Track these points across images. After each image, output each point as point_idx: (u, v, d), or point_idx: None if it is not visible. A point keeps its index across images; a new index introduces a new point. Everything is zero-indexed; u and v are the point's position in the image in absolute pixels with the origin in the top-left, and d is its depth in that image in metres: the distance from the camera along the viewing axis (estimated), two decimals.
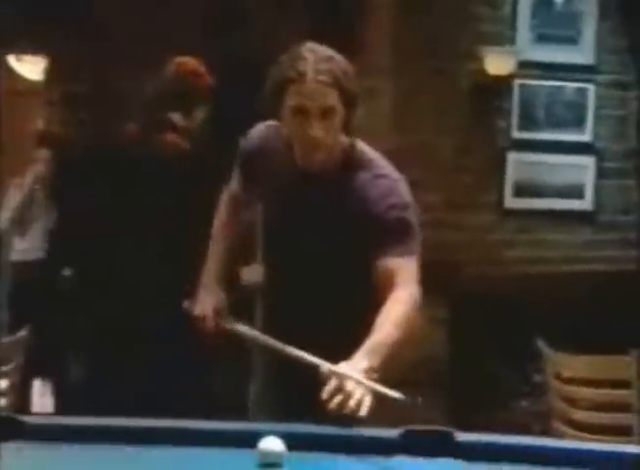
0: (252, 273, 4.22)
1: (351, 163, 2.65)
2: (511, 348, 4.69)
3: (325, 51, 2.60)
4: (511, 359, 4.91)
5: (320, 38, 5.72)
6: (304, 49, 2.59)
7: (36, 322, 4.44)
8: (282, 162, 2.69)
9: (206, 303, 2.86)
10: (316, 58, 2.55)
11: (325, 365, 2.37)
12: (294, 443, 2.12)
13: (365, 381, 2.29)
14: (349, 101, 2.59)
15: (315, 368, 2.41)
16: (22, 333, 4.34)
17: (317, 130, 2.55)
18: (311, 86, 2.53)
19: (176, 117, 4.66)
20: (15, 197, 5.70)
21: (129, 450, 2.21)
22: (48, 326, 5.19)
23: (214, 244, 2.96)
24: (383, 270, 2.51)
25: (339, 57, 2.61)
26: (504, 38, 5.67)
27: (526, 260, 5.70)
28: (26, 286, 5.53)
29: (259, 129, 2.83)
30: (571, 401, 4.06)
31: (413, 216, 2.60)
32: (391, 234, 2.54)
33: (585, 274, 5.69)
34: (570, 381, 4.13)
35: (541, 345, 4.22)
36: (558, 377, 4.17)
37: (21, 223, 5.69)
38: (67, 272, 5.57)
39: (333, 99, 2.55)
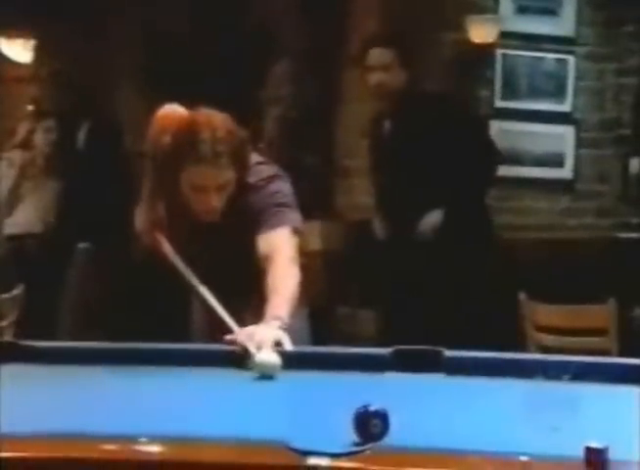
0: None
1: (240, 192, 2.78)
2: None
3: (222, 123, 2.69)
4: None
5: (309, 8, 5.89)
6: (202, 125, 2.67)
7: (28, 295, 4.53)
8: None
9: (142, 215, 2.98)
10: (213, 138, 2.65)
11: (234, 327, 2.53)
12: (288, 361, 2.25)
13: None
14: (243, 168, 2.74)
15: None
16: (16, 291, 4.46)
17: (215, 202, 2.73)
18: (210, 170, 2.67)
19: None
20: (7, 172, 5.74)
21: (128, 371, 2.32)
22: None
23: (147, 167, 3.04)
24: (261, 242, 2.71)
25: (232, 125, 2.71)
26: (487, 9, 5.82)
27: (508, 227, 5.82)
28: (18, 259, 5.63)
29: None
30: (550, 350, 4.19)
31: (282, 198, 2.78)
32: (265, 215, 2.74)
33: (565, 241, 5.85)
34: (549, 330, 4.29)
35: (522, 297, 4.37)
36: (538, 327, 4.32)
37: (13, 200, 5.74)
38: (83, 245, 5.71)
39: (229, 173, 2.71)
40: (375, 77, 4.54)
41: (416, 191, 4.53)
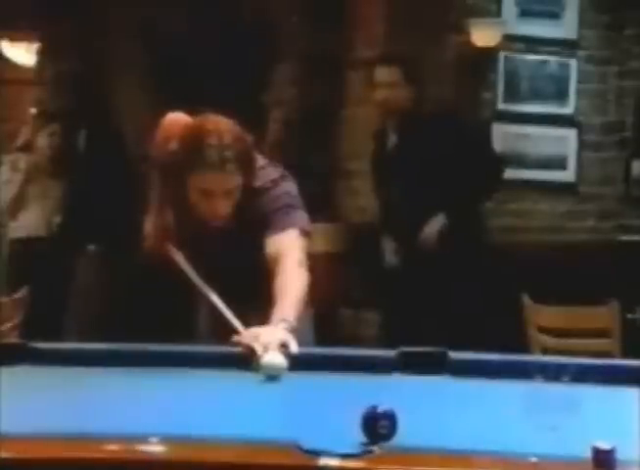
0: None
1: (248, 197, 2.79)
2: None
3: (229, 128, 2.70)
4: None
5: (313, 11, 5.89)
6: (209, 131, 2.68)
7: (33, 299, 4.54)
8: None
9: (150, 222, 2.98)
10: (220, 143, 2.65)
11: (239, 328, 2.55)
12: (293, 362, 2.27)
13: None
14: (250, 172, 2.75)
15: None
16: (21, 294, 4.47)
17: (223, 208, 2.74)
18: (217, 175, 2.68)
19: None
20: (11, 177, 5.74)
21: (135, 372, 2.35)
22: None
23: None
24: (270, 244, 2.72)
25: (238, 130, 2.72)
26: (490, 13, 5.83)
27: (510, 229, 5.84)
28: (23, 262, 5.64)
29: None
30: (553, 352, 4.20)
31: (289, 199, 2.79)
32: (273, 217, 2.75)
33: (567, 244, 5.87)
34: (552, 332, 4.30)
35: (525, 299, 4.38)
36: (540, 329, 4.33)
37: (18, 203, 5.74)
38: (91, 247, 5.71)
39: (236, 180, 2.72)
40: (381, 94, 4.66)
41: (422, 204, 4.58)
